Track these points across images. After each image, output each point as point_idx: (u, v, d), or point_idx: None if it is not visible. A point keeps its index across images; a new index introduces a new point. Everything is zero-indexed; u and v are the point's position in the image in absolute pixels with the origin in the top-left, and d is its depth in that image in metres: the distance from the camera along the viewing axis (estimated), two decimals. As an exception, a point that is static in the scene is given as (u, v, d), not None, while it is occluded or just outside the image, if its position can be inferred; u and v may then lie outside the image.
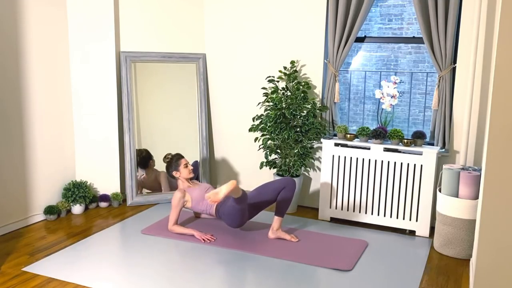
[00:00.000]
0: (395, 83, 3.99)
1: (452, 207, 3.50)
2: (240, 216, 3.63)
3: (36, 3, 3.94)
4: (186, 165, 3.91)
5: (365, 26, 4.85)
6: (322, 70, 4.38)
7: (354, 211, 4.11)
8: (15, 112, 3.84)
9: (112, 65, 4.39)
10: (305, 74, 4.45)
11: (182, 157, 3.96)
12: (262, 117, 4.37)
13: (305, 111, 4.33)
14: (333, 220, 4.23)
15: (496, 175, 2.49)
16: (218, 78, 4.82)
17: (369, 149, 3.99)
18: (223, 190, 3.40)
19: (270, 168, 4.42)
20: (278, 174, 4.37)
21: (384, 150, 3.95)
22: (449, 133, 3.96)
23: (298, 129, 4.28)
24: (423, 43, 3.99)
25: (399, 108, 4.88)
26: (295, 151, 4.22)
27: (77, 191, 4.22)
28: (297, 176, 4.36)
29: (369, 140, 4.10)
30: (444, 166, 3.65)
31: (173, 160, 3.93)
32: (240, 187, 3.62)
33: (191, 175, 3.93)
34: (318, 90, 4.42)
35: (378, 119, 4.23)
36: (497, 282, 2.57)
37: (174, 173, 3.90)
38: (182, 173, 3.89)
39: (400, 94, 4.06)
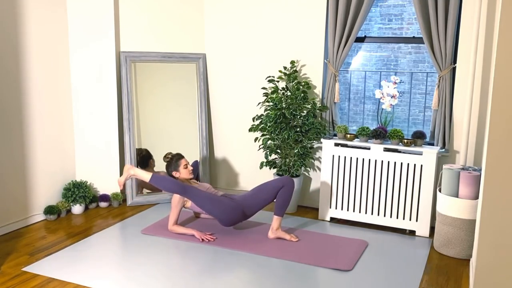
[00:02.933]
0: (395, 83, 3.99)
1: (452, 207, 3.50)
2: (225, 212, 3.71)
3: (36, 3, 3.94)
4: (186, 166, 3.90)
5: (365, 26, 4.85)
6: (322, 70, 4.38)
7: (354, 211, 4.11)
8: (15, 112, 3.84)
9: (112, 65, 4.39)
10: (305, 74, 4.45)
11: (183, 157, 3.95)
12: (262, 117, 4.37)
13: (305, 111, 4.33)
14: (333, 220, 4.24)
15: (496, 175, 2.49)
16: (218, 78, 4.82)
17: (369, 149, 3.99)
18: (122, 175, 3.77)
19: (270, 168, 4.42)
20: (278, 174, 4.37)
21: (384, 150, 3.95)
22: (449, 133, 3.96)
23: (298, 129, 4.28)
24: (423, 43, 3.99)
25: (399, 108, 4.88)
26: (295, 151, 4.22)
27: (77, 191, 4.22)
28: (297, 176, 4.36)
29: (369, 140, 4.10)
30: (444, 166, 3.65)
31: (173, 160, 3.92)
32: (142, 172, 3.74)
33: (191, 176, 3.93)
34: (318, 90, 4.42)
35: (378, 119, 4.23)
36: (497, 282, 2.57)
37: (173, 173, 3.90)
38: (182, 174, 3.89)
39: (400, 94, 4.06)
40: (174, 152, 4.05)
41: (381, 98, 4.02)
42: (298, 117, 4.27)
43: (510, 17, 2.38)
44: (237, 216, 3.74)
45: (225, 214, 3.72)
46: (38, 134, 4.05)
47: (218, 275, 3.14)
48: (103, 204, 4.45)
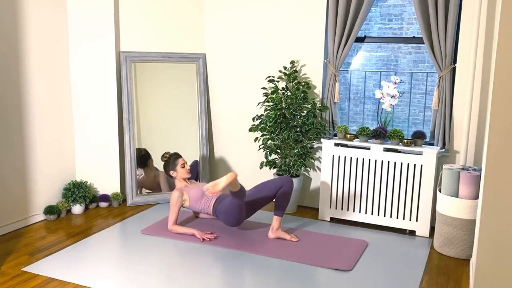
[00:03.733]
0: (395, 83, 3.99)
1: (452, 207, 3.50)
2: (238, 213, 3.62)
3: (36, 3, 3.94)
4: (183, 165, 3.91)
5: (365, 26, 4.85)
6: (322, 70, 4.38)
7: (354, 211, 4.11)
8: (16, 112, 3.84)
9: (112, 65, 4.39)
10: (305, 74, 4.45)
11: (180, 156, 3.96)
12: (262, 117, 4.37)
13: (305, 111, 4.33)
14: (333, 220, 4.24)
15: (496, 175, 2.49)
16: (218, 78, 4.82)
17: (369, 149, 3.99)
18: (222, 181, 3.34)
19: (270, 168, 4.42)
20: (278, 174, 4.37)
21: (384, 150, 3.95)
22: (449, 133, 3.96)
23: (298, 129, 4.28)
24: (423, 43, 3.99)
25: (399, 108, 4.88)
26: (295, 151, 4.22)
27: (77, 191, 4.22)
28: (297, 176, 4.36)
29: (369, 140, 4.10)
30: (444, 166, 3.65)
31: (170, 160, 3.93)
32: (239, 181, 3.56)
33: (188, 176, 3.93)
34: (318, 90, 4.42)
35: (378, 119, 4.23)
36: (497, 282, 2.57)
37: (171, 172, 3.91)
38: (179, 173, 3.89)
39: (400, 94, 4.06)
40: (172, 151, 4.06)
41: (381, 98, 4.02)
42: (298, 117, 4.27)
43: (510, 17, 2.38)
44: (242, 216, 3.73)
45: (234, 217, 3.70)
46: (38, 134, 4.05)
47: (218, 275, 3.14)
48: (103, 204, 4.45)
